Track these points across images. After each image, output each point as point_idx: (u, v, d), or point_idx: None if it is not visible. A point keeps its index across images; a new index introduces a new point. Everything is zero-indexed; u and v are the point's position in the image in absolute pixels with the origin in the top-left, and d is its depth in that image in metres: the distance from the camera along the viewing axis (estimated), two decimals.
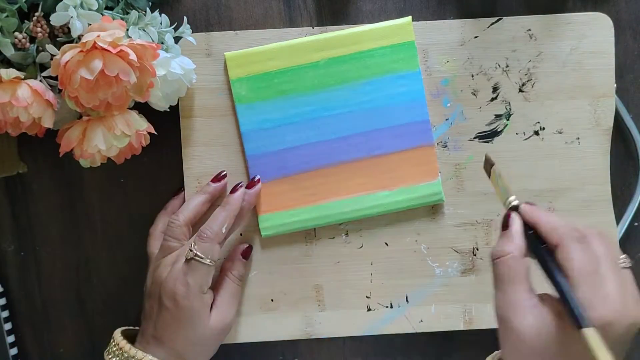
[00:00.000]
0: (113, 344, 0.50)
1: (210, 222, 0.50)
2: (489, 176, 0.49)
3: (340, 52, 0.54)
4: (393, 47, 0.54)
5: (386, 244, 0.56)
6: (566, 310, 0.39)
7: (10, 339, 0.58)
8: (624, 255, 0.43)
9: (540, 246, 0.43)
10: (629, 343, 0.40)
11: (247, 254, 0.55)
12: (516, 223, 0.44)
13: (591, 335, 0.37)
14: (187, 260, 0.49)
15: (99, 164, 0.50)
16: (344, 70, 0.54)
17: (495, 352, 0.46)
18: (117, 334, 0.51)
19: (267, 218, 0.55)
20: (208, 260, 0.48)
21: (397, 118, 0.54)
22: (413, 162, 0.54)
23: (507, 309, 0.41)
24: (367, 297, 0.56)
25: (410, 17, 0.54)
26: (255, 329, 0.56)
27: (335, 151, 0.54)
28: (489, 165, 0.49)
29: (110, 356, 0.50)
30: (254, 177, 0.54)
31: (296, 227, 0.55)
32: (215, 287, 0.52)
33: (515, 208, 0.45)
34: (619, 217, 0.57)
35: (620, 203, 0.57)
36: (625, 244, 0.58)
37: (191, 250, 0.48)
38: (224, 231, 0.50)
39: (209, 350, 0.52)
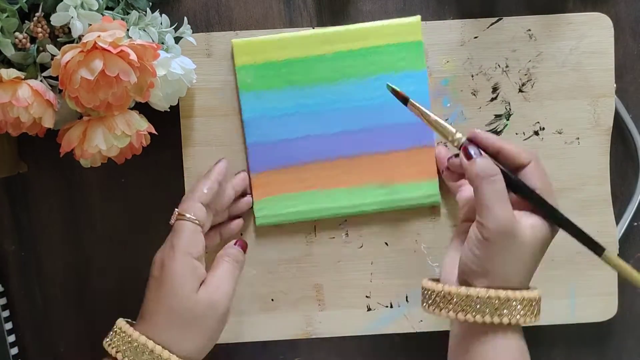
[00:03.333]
0: (115, 329, 0.46)
1: (191, 187, 0.51)
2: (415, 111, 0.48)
3: (349, 46, 0.54)
4: (401, 45, 0.54)
5: (386, 244, 0.56)
6: (578, 240, 0.45)
7: (11, 338, 0.58)
8: None
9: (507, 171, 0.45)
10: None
11: (242, 246, 0.52)
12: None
13: (612, 256, 0.44)
14: (173, 226, 0.48)
15: (100, 164, 0.50)
16: (351, 65, 0.54)
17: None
18: (120, 321, 0.47)
19: (263, 206, 0.55)
20: (191, 216, 0.47)
21: (399, 116, 0.54)
22: (412, 162, 0.54)
23: (512, 221, 0.43)
24: (367, 296, 0.56)
25: (419, 17, 0.54)
26: (255, 329, 0.56)
27: (335, 145, 0.54)
28: (402, 99, 0.48)
29: (110, 342, 0.45)
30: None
31: (291, 218, 0.55)
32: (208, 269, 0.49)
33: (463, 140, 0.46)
34: (618, 217, 0.57)
35: (620, 203, 0.57)
36: (625, 244, 0.58)
37: (174, 214, 0.48)
38: (205, 191, 0.49)
39: (198, 333, 0.46)
